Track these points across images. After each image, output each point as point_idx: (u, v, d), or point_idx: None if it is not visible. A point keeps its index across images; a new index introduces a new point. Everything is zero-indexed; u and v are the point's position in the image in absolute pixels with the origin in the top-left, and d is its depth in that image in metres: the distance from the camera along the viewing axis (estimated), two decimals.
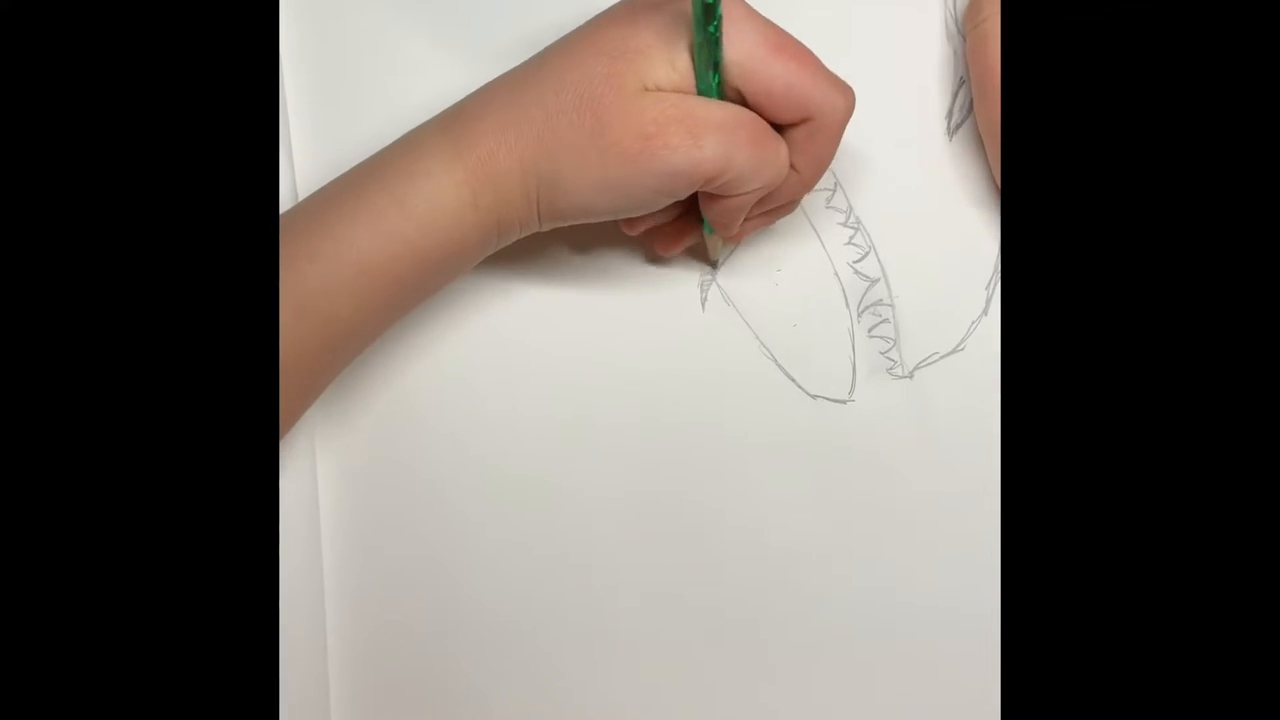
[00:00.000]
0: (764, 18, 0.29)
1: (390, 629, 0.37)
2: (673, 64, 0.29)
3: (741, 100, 0.29)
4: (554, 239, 0.36)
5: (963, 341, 0.36)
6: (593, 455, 0.36)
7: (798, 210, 0.36)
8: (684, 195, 0.30)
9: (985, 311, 0.36)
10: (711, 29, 0.27)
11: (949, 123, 0.36)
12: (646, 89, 0.29)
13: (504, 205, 0.30)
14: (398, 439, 0.37)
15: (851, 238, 0.36)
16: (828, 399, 0.36)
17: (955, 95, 0.36)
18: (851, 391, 0.36)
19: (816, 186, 0.36)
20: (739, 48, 0.28)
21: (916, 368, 0.36)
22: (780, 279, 0.36)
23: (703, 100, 0.29)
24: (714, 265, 0.36)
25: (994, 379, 0.36)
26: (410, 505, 0.37)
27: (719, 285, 0.36)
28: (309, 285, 0.29)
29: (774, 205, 0.32)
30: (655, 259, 0.36)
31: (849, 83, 0.30)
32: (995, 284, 0.36)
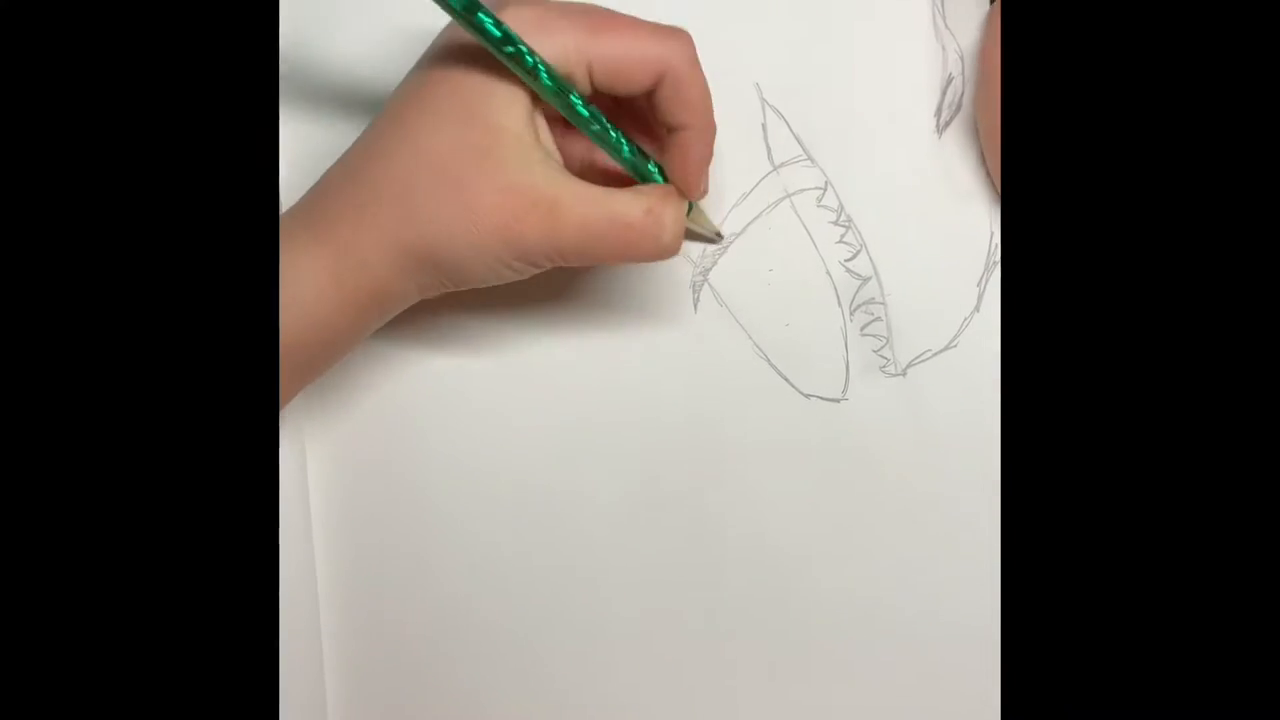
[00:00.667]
0: (557, 4, 0.29)
1: (385, 631, 0.36)
2: (513, 102, 0.28)
3: (597, 93, 0.29)
4: None
5: (955, 338, 0.36)
6: (586, 457, 0.36)
7: (789, 210, 0.36)
8: (553, 267, 0.30)
9: (977, 308, 0.36)
10: (514, 54, 0.27)
11: (938, 120, 0.36)
12: (509, 151, 0.28)
13: (374, 282, 0.29)
14: (389, 443, 0.37)
15: (842, 236, 0.36)
16: (821, 398, 0.36)
17: (944, 93, 0.36)
18: (845, 390, 0.36)
19: (808, 186, 0.36)
20: (559, 46, 0.28)
21: (909, 365, 0.36)
22: (772, 279, 0.36)
23: (575, 191, 0.28)
24: (714, 239, 0.36)
25: (987, 376, 0.36)
26: (403, 510, 0.36)
27: (711, 286, 0.36)
28: None
29: (692, 166, 0.31)
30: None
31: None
32: (987, 280, 0.36)
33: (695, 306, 0.36)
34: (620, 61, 0.28)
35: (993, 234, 0.36)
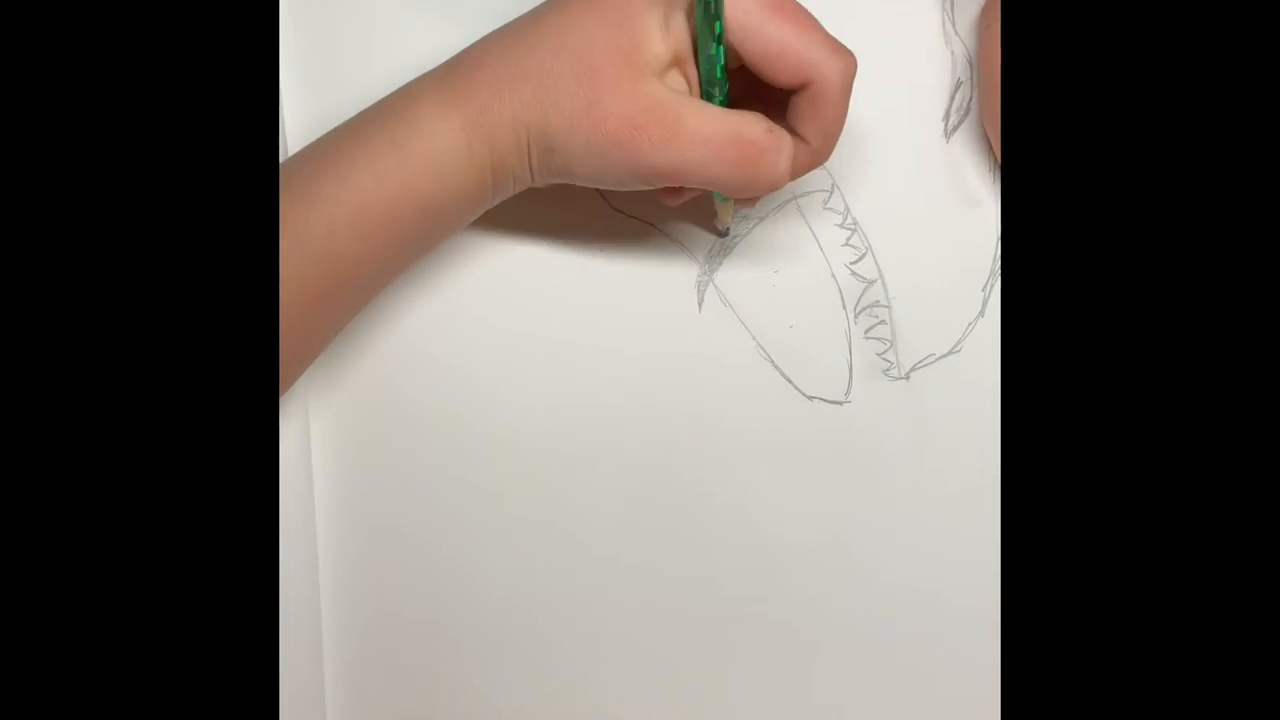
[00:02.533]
0: None
1: (385, 625, 0.36)
2: (667, 28, 0.29)
3: (740, 64, 0.29)
4: (552, 240, 0.36)
5: (959, 343, 0.36)
6: (589, 455, 0.36)
7: (795, 212, 0.36)
8: (665, 185, 0.30)
9: (982, 313, 0.36)
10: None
11: (946, 124, 0.36)
12: (647, 65, 0.29)
13: (497, 155, 0.30)
14: (394, 437, 0.37)
15: (849, 239, 0.36)
16: (824, 400, 0.36)
17: (952, 97, 0.36)
18: (848, 392, 0.36)
19: (814, 188, 0.36)
20: (735, 6, 0.28)
21: (913, 369, 0.36)
22: (777, 280, 0.36)
23: (700, 107, 0.29)
24: (722, 233, 0.36)
25: (990, 381, 0.36)
26: (406, 505, 0.36)
27: (715, 286, 0.36)
28: (311, 225, 0.29)
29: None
30: (662, 213, 0.36)
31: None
32: (992, 286, 0.36)
33: (700, 307, 0.36)
34: (779, 48, 0.29)
35: (998, 239, 0.36)
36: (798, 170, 0.31)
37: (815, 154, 0.31)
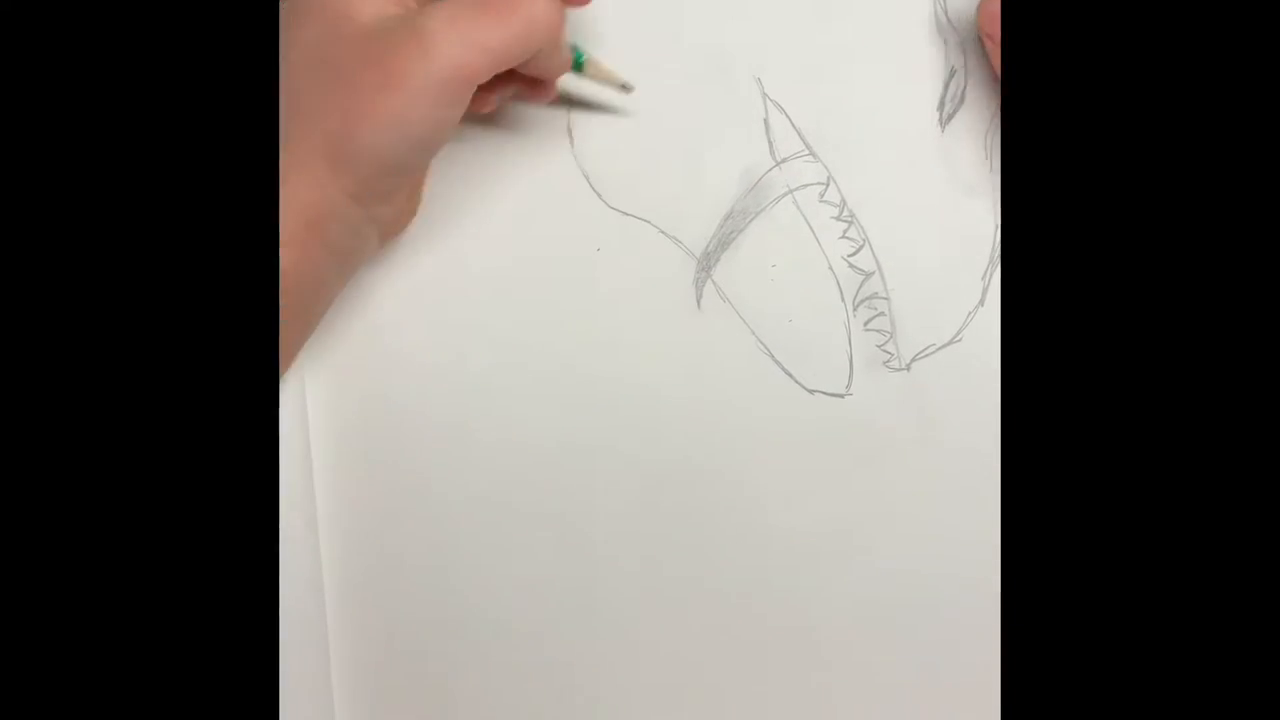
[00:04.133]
0: None
1: (391, 626, 0.36)
2: None
3: None
4: (549, 239, 0.36)
5: (959, 333, 0.36)
6: (591, 453, 0.36)
7: (791, 205, 0.36)
8: (467, 92, 0.29)
9: (982, 302, 0.36)
10: None
11: (941, 114, 0.36)
12: (368, 15, 0.28)
13: (310, 215, 0.28)
14: (395, 439, 0.37)
15: (845, 231, 0.36)
16: (825, 393, 0.36)
17: (946, 86, 0.36)
18: (849, 385, 0.36)
19: (810, 181, 0.36)
20: None
21: (913, 360, 0.36)
22: (775, 274, 0.36)
23: (437, 9, 0.28)
24: (627, 88, 0.35)
25: (991, 370, 0.36)
26: (407, 506, 0.36)
27: (714, 281, 0.36)
28: None
29: None
30: (660, 210, 0.36)
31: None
32: (991, 274, 0.36)
33: (698, 303, 0.36)
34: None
35: (996, 228, 0.36)
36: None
37: None
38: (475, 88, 0.29)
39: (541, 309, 0.36)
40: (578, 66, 0.34)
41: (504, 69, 0.29)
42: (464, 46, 0.28)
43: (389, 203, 0.31)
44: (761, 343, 0.36)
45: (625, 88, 0.35)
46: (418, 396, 0.37)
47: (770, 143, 0.36)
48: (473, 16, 0.28)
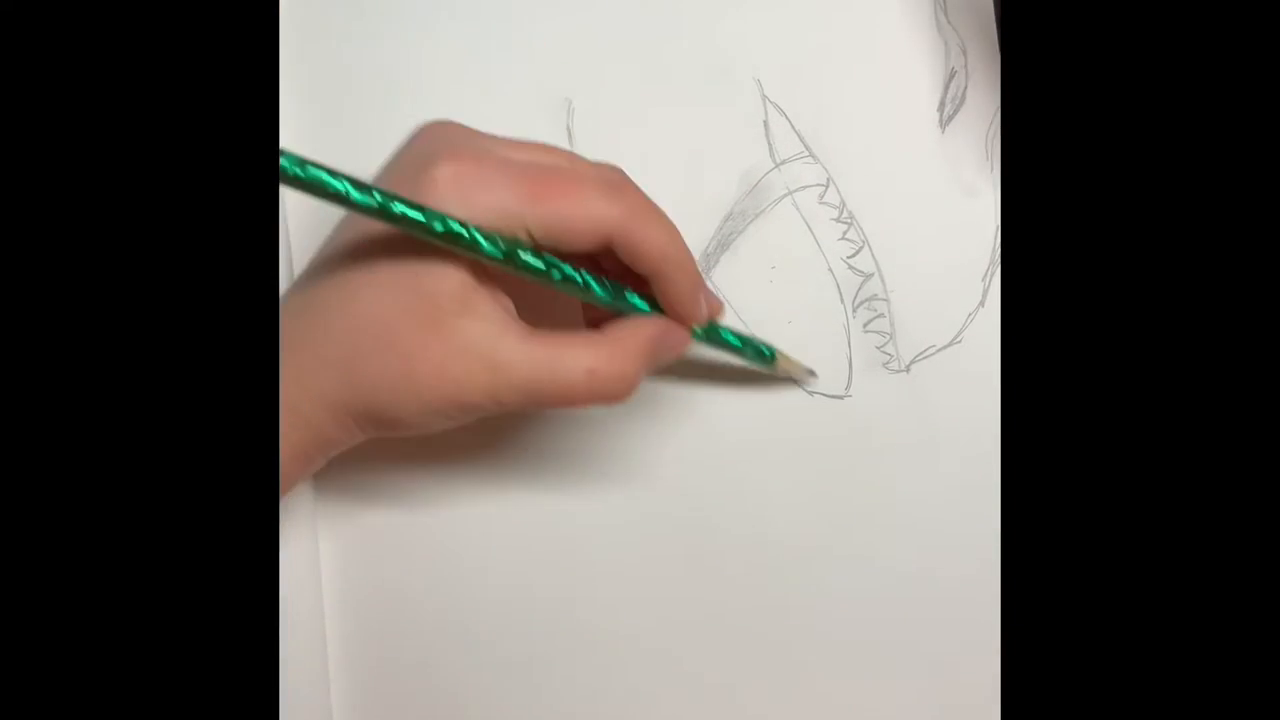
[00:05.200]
0: (495, 159, 0.28)
1: (389, 631, 0.36)
2: (453, 264, 0.27)
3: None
4: None
5: (960, 334, 0.36)
6: (589, 455, 0.36)
7: (791, 207, 0.36)
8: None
9: (982, 303, 0.36)
10: (446, 233, 0.26)
11: (941, 115, 0.36)
12: (446, 310, 0.27)
13: (318, 437, 0.29)
14: (393, 445, 0.37)
15: (845, 233, 0.36)
16: (825, 395, 0.36)
17: (946, 87, 0.36)
18: (848, 387, 0.36)
19: (810, 182, 0.36)
20: (494, 209, 0.27)
21: (913, 361, 0.36)
22: (774, 276, 0.36)
23: (515, 343, 0.28)
24: (812, 375, 0.36)
25: (992, 371, 0.36)
26: (407, 508, 0.37)
27: (713, 283, 0.36)
28: None
29: (678, 304, 0.30)
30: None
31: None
32: (991, 276, 0.36)
33: None
34: (561, 227, 0.28)
35: (997, 229, 0.36)
36: (682, 293, 0.30)
37: (676, 272, 0.29)
38: None
39: None
40: (770, 360, 0.34)
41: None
42: (519, 399, 0.28)
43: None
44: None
45: (811, 374, 0.36)
46: None
47: (770, 144, 0.36)
48: (540, 383, 0.28)
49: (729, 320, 0.36)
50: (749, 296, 0.36)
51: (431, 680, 0.36)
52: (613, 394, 0.29)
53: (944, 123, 0.36)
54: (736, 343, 0.33)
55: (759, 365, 0.34)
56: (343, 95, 0.37)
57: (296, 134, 0.37)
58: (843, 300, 0.36)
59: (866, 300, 0.36)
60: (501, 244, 0.27)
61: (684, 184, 0.36)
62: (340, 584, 0.37)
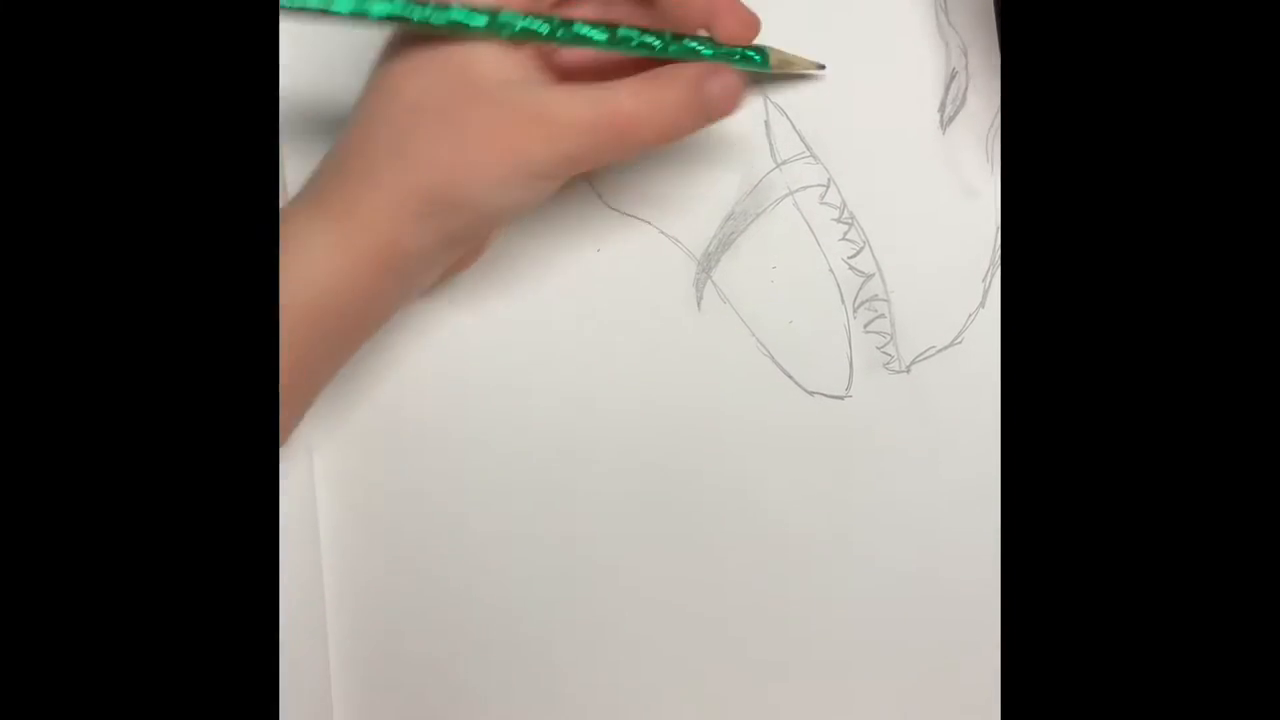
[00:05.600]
0: None
1: (391, 628, 0.37)
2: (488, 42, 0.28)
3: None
4: (548, 240, 0.36)
5: (960, 335, 0.36)
6: (590, 455, 0.36)
7: (791, 207, 0.36)
8: (580, 173, 0.30)
9: (982, 304, 0.36)
10: (487, 26, 0.27)
11: (942, 116, 0.36)
12: (489, 78, 0.28)
13: (383, 241, 0.29)
14: (394, 444, 0.37)
15: (845, 233, 0.36)
16: (825, 395, 0.36)
17: (947, 88, 0.36)
18: (849, 387, 0.36)
19: (810, 183, 0.36)
20: None
21: (914, 362, 0.36)
22: (775, 276, 0.36)
23: (563, 94, 0.28)
24: (820, 68, 0.35)
25: (992, 372, 0.36)
26: (407, 507, 0.37)
27: (714, 283, 0.36)
28: None
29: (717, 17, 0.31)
30: (660, 211, 0.36)
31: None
32: (992, 276, 0.36)
33: (698, 304, 0.36)
34: None
35: (997, 230, 0.36)
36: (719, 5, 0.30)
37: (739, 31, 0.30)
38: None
39: (541, 310, 0.36)
40: (764, 65, 0.33)
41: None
42: (582, 143, 0.28)
43: (465, 248, 0.32)
44: (761, 344, 0.36)
45: (821, 67, 0.35)
46: (415, 396, 0.37)
47: (771, 144, 0.36)
48: (595, 120, 0.28)
49: (731, 320, 0.36)
50: (750, 296, 0.36)
51: (432, 675, 0.36)
52: (671, 122, 0.29)
53: (945, 124, 0.36)
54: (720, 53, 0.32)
55: (757, 69, 0.34)
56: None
57: (295, 137, 0.37)
58: (843, 301, 0.36)
59: (867, 301, 0.36)
60: (534, 24, 0.28)
61: (685, 183, 0.36)
62: (341, 580, 0.37)
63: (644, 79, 0.29)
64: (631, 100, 0.29)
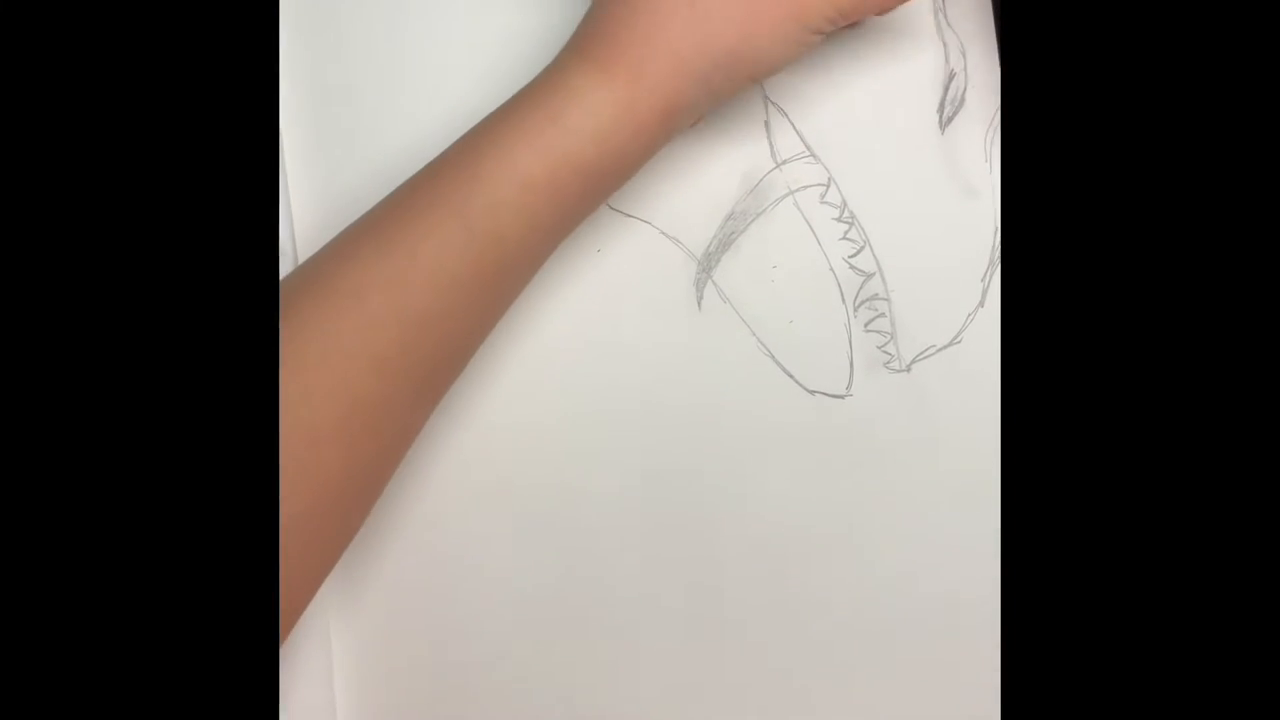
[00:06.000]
0: None
1: (391, 627, 0.37)
2: None
3: None
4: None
5: (959, 334, 0.36)
6: (590, 455, 0.36)
7: (792, 207, 0.36)
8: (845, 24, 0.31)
9: (981, 304, 0.36)
10: None
11: (941, 116, 0.36)
12: None
13: (666, 101, 0.30)
14: None
15: (846, 233, 0.36)
16: (826, 394, 0.36)
17: (946, 88, 0.36)
18: (849, 386, 0.36)
19: (811, 182, 0.36)
20: None
21: (913, 361, 0.36)
22: (776, 276, 0.36)
23: None
24: None
25: (991, 371, 0.36)
26: (407, 508, 0.37)
27: (714, 283, 0.36)
28: (472, 206, 0.29)
29: None
30: (660, 211, 0.37)
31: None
32: (991, 276, 0.36)
33: (699, 304, 0.36)
34: None
35: (996, 230, 0.36)
36: None
37: None
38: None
39: (542, 310, 0.36)
40: None
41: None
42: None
43: (726, 100, 0.33)
44: (762, 343, 0.36)
45: None
46: None
47: (771, 144, 0.37)
48: None
49: (732, 319, 0.36)
50: (751, 296, 0.36)
51: (432, 675, 0.37)
52: None
53: (944, 124, 0.36)
54: None
55: None
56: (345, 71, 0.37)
57: (295, 121, 0.37)
58: (844, 299, 0.36)
59: (867, 300, 0.36)
60: None
61: (686, 183, 0.36)
62: (341, 580, 0.37)
63: None
64: None
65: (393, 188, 0.31)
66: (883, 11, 0.31)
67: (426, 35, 0.37)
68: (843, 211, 0.36)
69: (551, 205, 0.30)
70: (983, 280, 0.36)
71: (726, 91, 0.31)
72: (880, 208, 0.36)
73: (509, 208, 0.29)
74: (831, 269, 0.36)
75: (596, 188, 0.31)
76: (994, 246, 0.36)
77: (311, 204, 0.37)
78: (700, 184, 0.37)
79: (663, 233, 0.37)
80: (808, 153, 0.37)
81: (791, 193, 0.37)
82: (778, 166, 0.37)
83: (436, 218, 0.29)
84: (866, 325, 0.36)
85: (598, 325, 0.36)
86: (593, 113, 0.30)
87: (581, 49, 0.31)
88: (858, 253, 0.36)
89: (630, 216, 0.37)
